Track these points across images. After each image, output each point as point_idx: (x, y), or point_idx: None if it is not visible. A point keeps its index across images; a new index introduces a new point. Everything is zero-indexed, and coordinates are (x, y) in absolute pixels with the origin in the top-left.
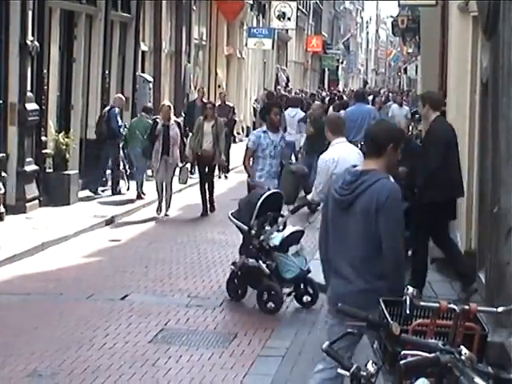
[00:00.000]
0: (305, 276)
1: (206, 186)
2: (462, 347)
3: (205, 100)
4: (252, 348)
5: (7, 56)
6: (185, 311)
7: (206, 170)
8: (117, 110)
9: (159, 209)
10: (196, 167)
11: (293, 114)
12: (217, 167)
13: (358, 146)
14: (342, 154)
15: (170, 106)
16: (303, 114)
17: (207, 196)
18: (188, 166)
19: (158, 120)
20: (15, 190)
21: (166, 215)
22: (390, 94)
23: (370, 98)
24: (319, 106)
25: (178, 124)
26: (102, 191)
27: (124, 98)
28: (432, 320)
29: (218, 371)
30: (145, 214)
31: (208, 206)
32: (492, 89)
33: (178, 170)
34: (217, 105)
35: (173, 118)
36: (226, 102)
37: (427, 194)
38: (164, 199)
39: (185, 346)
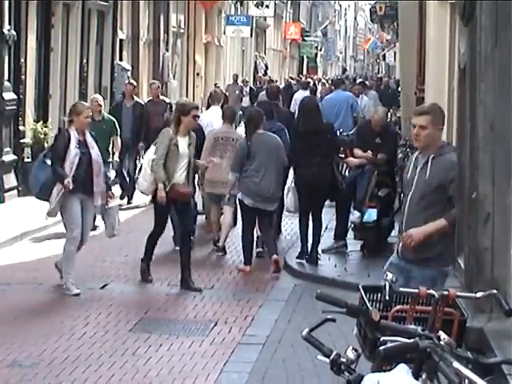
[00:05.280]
0: None
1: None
2: (441, 332)
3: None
4: (232, 336)
5: None
6: (165, 300)
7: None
8: None
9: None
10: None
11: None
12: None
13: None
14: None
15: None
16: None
17: None
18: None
19: (70, 131)
20: None
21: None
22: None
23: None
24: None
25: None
26: None
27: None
28: (411, 306)
29: (198, 359)
30: (124, 202)
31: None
32: (470, 74)
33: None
34: (147, 101)
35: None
36: (161, 97)
37: None
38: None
39: (165, 335)
